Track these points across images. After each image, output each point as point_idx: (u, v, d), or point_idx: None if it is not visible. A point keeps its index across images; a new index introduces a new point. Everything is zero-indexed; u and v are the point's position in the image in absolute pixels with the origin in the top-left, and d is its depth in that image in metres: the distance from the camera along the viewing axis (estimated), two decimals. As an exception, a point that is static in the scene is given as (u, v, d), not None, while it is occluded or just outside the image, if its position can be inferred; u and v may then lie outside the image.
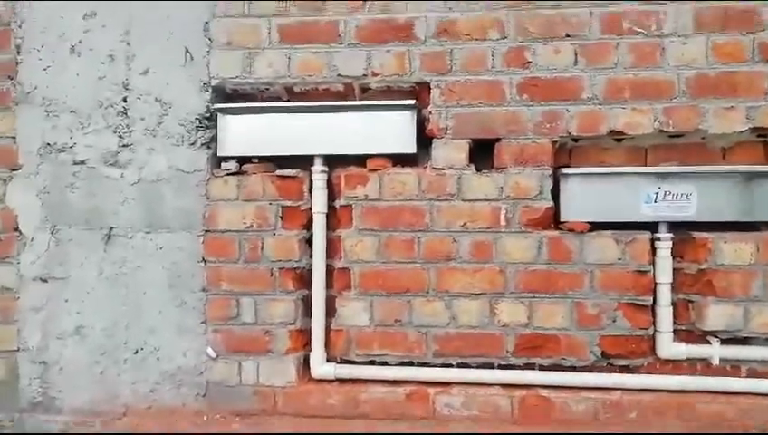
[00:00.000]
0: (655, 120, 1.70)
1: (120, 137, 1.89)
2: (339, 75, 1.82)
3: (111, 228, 1.90)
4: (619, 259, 1.72)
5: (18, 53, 1.91)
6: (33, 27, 1.91)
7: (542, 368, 1.78)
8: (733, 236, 1.68)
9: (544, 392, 1.74)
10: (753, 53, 1.68)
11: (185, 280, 1.87)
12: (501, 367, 1.79)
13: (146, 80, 1.89)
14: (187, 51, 1.87)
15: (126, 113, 1.89)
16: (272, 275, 1.84)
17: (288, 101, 1.91)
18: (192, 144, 1.87)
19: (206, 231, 1.86)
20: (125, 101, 1.89)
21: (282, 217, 1.84)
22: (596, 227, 1.75)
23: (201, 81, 1.87)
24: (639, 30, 1.71)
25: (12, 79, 1.91)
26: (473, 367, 1.79)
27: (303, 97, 1.89)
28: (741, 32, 1.68)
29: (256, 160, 1.87)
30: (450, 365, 1.81)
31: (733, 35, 1.68)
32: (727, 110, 1.68)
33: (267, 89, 1.88)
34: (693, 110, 1.69)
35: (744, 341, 1.74)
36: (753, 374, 1.75)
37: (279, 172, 1.84)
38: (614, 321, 1.72)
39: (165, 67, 1.88)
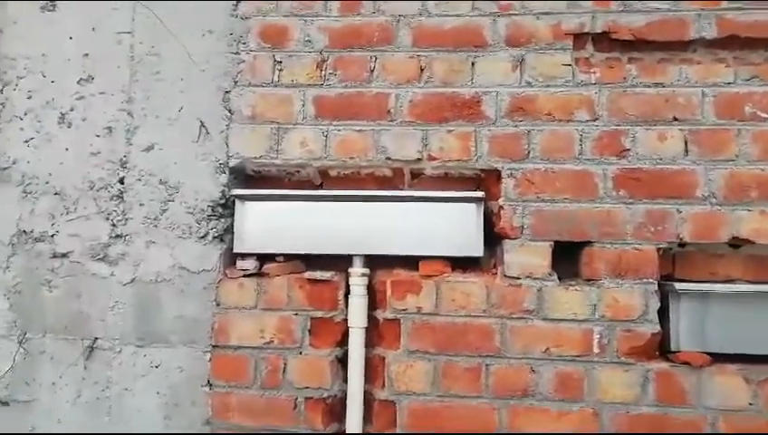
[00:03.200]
0: (789, 226, 1.35)
1: (114, 225, 1.56)
2: (387, 158, 1.51)
3: (95, 339, 1.55)
4: (751, 404, 1.33)
5: (-4, 121, 1.59)
6: (18, 91, 1.59)
7: None
8: None
9: None
10: None
11: (184, 410, 1.51)
12: None
13: (149, 158, 1.57)
14: (201, 124, 1.57)
15: (122, 197, 1.56)
16: (295, 406, 1.47)
17: (321, 187, 1.57)
18: (202, 237, 1.53)
19: (214, 347, 1.49)
20: (122, 182, 1.57)
21: (310, 332, 1.49)
22: (717, 359, 1.36)
23: (217, 160, 1.56)
24: (766, 115, 1.38)
25: (-14, 152, 1.59)
26: None
27: (341, 183, 1.57)
28: None
29: (281, 259, 1.53)
30: None
31: None
32: None
33: (298, 172, 1.55)
34: (834, 213, 1.35)
35: None
36: None
37: (309, 274, 1.50)
38: (746, 486, 1.31)
39: (173, 143, 1.57)
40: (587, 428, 1.41)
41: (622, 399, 1.41)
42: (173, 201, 1.59)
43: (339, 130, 1.57)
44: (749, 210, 1.42)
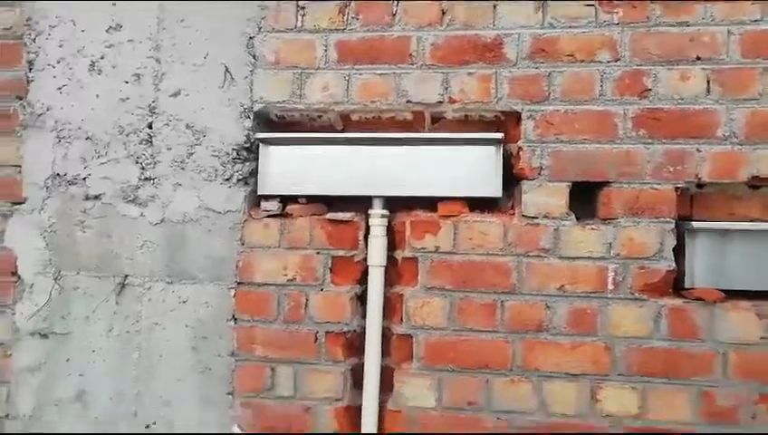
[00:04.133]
0: (810, 166, 1.36)
1: (143, 169, 1.62)
2: (408, 102, 1.54)
3: (126, 277, 1.62)
4: (763, 338, 1.36)
5: (30, 69, 1.66)
6: (50, 41, 1.66)
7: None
8: None
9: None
10: None
11: (211, 342, 1.57)
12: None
13: (176, 103, 1.62)
14: (226, 70, 1.61)
15: (151, 142, 1.62)
16: (316, 339, 1.54)
17: (343, 131, 1.61)
18: (227, 180, 1.59)
19: (239, 283, 1.56)
20: (150, 127, 1.63)
21: (331, 270, 1.55)
22: (731, 296, 1.39)
23: (242, 105, 1.60)
24: (789, 53, 1.39)
25: (21, 99, 1.66)
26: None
27: (362, 127, 1.62)
28: None
29: (303, 201, 1.59)
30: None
31: None
32: None
33: (320, 116, 1.60)
34: None
35: None
36: None
37: (330, 215, 1.55)
38: (754, 417, 1.36)
39: (199, 89, 1.62)
40: (599, 360, 1.45)
41: (635, 333, 1.45)
42: (199, 145, 1.65)
43: (360, 75, 1.60)
44: (770, 149, 1.43)
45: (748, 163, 1.44)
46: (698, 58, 1.47)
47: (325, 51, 1.62)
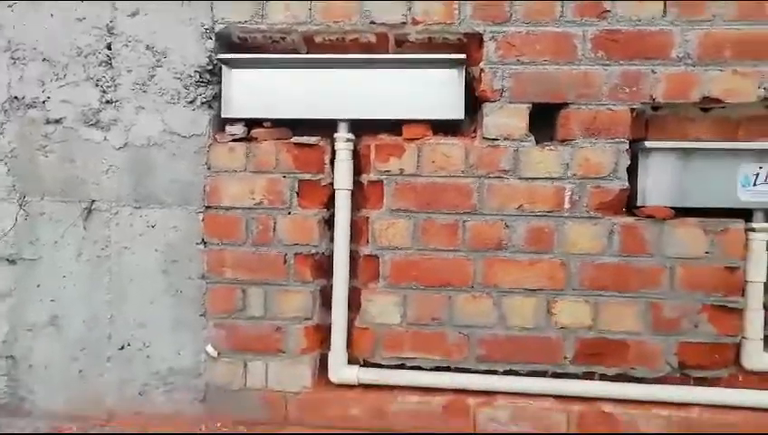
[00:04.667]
0: (760, 87, 1.41)
1: (104, 92, 1.60)
2: (372, 23, 1.53)
3: (93, 202, 1.63)
4: (707, 253, 1.46)
5: (-22, -17, 1.59)
6: (-2, -48, 1.58)
7: (604, 378, 1.51)
8: None
9: (608, 407, 1.51)
10: None
11: (181, 265, 1.61)
12: (556, 375, 1.53)
13: (135, 23, 1.60)
14: (185, -13, 1.56)
15: (110, 63, 1.60)
16: (285, 261, 1.57)
17: (308, 53, 1.60)
18: (190, 102, 1.58)
19: (207, 208, 1.59)
20: (109, 48, 1.60)
21: (298, 193, 1.57)
22: (680, 213, 1.46)
23: (203, 26, 1.59)
24: (744, -26, 1.41)
25: (-31, 16, 1.60)
26: (522, 375, 1.52)
27: (326, 49, 1.62)
28: None
29: (268, 124, 1.60)
30: (496, 372, 1.53)
31: None
32: None
33: (283, 38, 1.59)
34: (806, 74, 1.41)
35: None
36: None
37: (296, 139, 1.56)
38: (696, 326, 1.48)
39: (158, 8, 1.60)
40: (555, 276, 1.53)
41: (589, 250, 1.52)
42: (161, 67, 1.62)
43: (329, -5, 1.57)
44: (721, 70, 1.48)
45: (700, 84, 1.48)
46: (658, -21, 1.48)
47: (288, -31, 1.58)
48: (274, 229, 1.61)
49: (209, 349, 1.61)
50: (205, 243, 1.62)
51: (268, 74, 1.62)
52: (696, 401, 1.52)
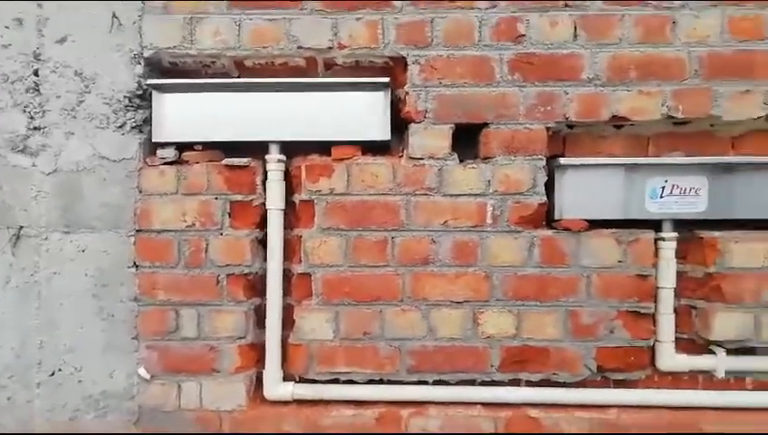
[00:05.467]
0: (663, 105, 1.51)
1: (31, 118, 1.60)
2: (299, 47, 1.58)
3: (21, 227, 1.62)
4: (620, 262, 1.55)
5: None
6: None
7: (530, 384, 1.58)
8: (745, 235, 1.54)
9: (533, 412, 1.58)
10: (772, 31, 1.52)
11: (112, 289, 1.61)
12: (484, 384, 1.59)
13: (63, 49, 1.61)
14: (114, 15, 1.58)
15: (38, 90, 1.60)
16: (218, 282, 1.59)
17: (240, 77, 1.64)
18: (120, 127, 1.60)
19: (138, 231, 1.59)
20: (36, 74, 1.60)
21: (230, 215, 1.60)
22: (594, 225, 1.55)
23: (132, 51, 1.60)
24: (647, 1, 1.52)
25: None
26: (452, 384, 1.57)
27: (257, 73, 1.65)
28: (760, 6, 1.50)
29: (200, 148, 1.61)
30: (426, 383, 1.58)
31: (751, 10, 1.51)
32: (743, 94, 1.53)
33: (213, 62, 1.62)
34: (705, 93, 1.54)
35: (749, 351, 1.58)
36: (759, 387, 1.60)
37: (227, 161, 1.59)
38: (612, 331, 1.56)
39: (87, 34, 1.61)
40: (480, 288, 1.59)
41: (511, 262, 1.59)
42: (89, 92, 1.63)
43: (251, 20, 1.62)
44: (628, 90, 1.57)
45: (609, 103, 1.58)
46: (566, 5, 1.57)
47: (216, -4, 1.62)
48: (207, 250, 1.62)
49: (141, 371, 1.61)
50: (136, 266, 1.63)
51: (199, 98, 1.64)
52: (614, 402, 1.61)
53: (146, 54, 1.63)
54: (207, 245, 1.63)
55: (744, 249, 1.57)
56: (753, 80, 1.56)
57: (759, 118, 1.57)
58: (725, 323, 1.59)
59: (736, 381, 1.67)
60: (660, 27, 1.57)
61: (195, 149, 1.65)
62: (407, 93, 1.61)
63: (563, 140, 1.69)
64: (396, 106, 1.66)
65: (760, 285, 1.57)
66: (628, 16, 1.57)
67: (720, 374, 1.62)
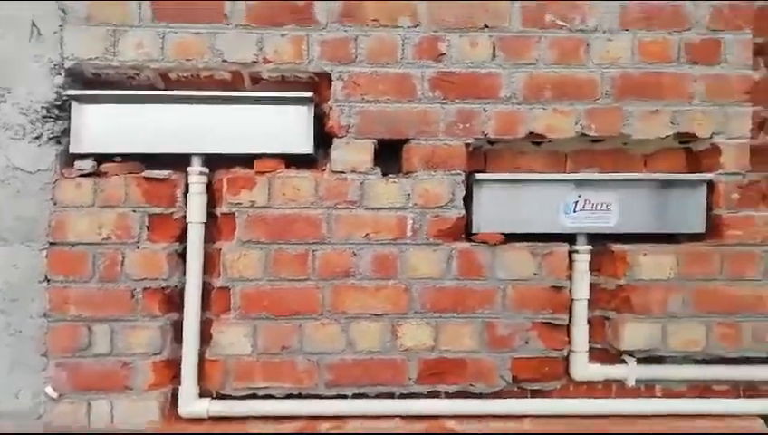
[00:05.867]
0: (576, 123, 1.58)
1: (-58, 126, 1.54)
2: (224, 61, 1.59)
3: (-74, 240, 1.53)
4: (535, 274, 1.59)
5: None
6: None
7: (448, 396, 1.59)
8: (653, 248, 1.61)
9: (450, 423, 1.60)
10: (680, 54, 1.61)
11: (21, 304, 1.57)
12: (403, 396, 1.59)
13: (-23, 57, 1.55)
14: (33, 24, 1.56)
15: (-51, 97, 1.54)
16: (133, 296, 1.56)
17: (166, 89, 1.64)
18: (36, 138, 1.57)
19: (52, 244, 1.55)
20: (-52, 82, 1.54)
21: (148, 227, 1.57)
22: (511, 238, 1.58)
23: (51, 62, 1.59)
24: (563, 24, 1.59)
25: None
26: (371, 397, 1.57)
27: (183, 85, 1.65)
28: (668, 31, 1.59)
29: (119, 160, 1.58)
30: (345, 397, 1.57)
31: (660, 33, 1.59)
32: (652, 113, 1.61)
33: (137, 74, 1.61)
34: (616, 112, 1.61)
35: (659, 360, 1.64)
36: (668, 395, 1.66)
37: (146, 173, 1.58)
38: (527, 342, 1.59)
39: (4, 44, 1.58)
40: (399, 301, 1.60)
41: (429, 275, 1.62)
42: (5, 102, 1.60)
43: (175, 33, 1.62)
44: (544, 108, 1.63)
45: (525, 121, 1.64)
46: (486, 26, 1.63)
47: (139, 8, 1.62)
48: (122, 264, 1.59)
49: (48, 390, 1.55)
50: (48, 280, 1.57)
51: (120, 110, 1.63)
52: (529, 412, 1.63)
53: (67, 65, 1.61)
54: (123, 258, 1.59)
55: (652, 262, 1.63)
56: (661, 100, 1.64)
57: (667, 136, 1.65)
58: (634, 333, 1.64)
59: (647, 389, 1.72)
60: (574, 49, 1.64)
61: (114, 161, 1.62)
62: (330, 108, 1.63)
63: (485, 156, 1.74)
64: (321, 121, 1.67)
65: (667, 295, 1.64)
66: (545, 39, 1.64)
67: (630, 383, 1.67)
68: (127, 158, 1.63)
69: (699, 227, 1.66)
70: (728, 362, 1.68)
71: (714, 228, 1.67)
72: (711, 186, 1.67)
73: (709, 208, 1.67)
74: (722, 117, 1.64)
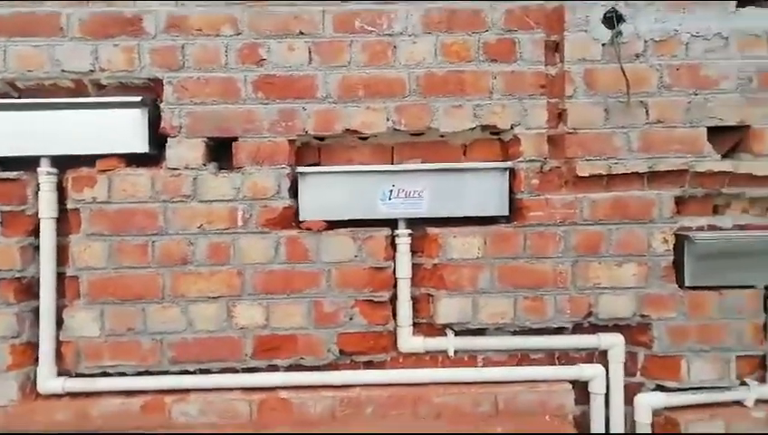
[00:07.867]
0: (388, 119, 1.75)
1: None
2: (63, 71, 1.74)
3: None
4: (356, 256, 1.77)
5: None
6: None
7: (285, 369, 1.78)
8: (462, 230, 1.79)
9: (284, 394, 1.77)
10: (479, 53, 1.77)
11: None
12: (245, 371, 1.78)
13: None
14: None
15: None
16: (-11, 287, 1.72)
17: (19, 97, 1.79)
18: None
19: None
20: None
21: (2, 224, 1.72)
22: (337, 225, 1.77)
23: None
24: (371, 29, 1.76)
25: None
26: (215, 373, 1.76)
27: (34, 93, 1.81)
28: (467, 32, 1.76)
29: (-30, 164, 1.74)
30: (192, 372, 1.76)
31: (460, 35, 1.76)
32: (456, 108, 1.78)
33: (-14, 85, 1.76)
34: (423, 108, 1.77)
35: (481, 332, 1.82)
36: (488, 364, 1.85)
37: (-3, 174, 1.72)
38: (351, 318, 1.78)
39: None
40: (233, 284, 1.79)
41: (260, 260, 1.80)
42: None
43: (16, 46, 1.76)
44: (357, 107, 1.80)
45: (341, 118, 1.81)
46: (301, 33, 1.79)
47: (-18, 23, 1.76)
48: (-22, 258, 1.76)
49: None
50: None
51: (-31, 117, 1.77)
52: (358, 382, 1.83)
53: None
54: (-21, 253, 1.76)
55: (461, 243, 1.83)
56: (464, 96, 1.82)
57: (474, 129, 1.82)
58: (448, 308, 1.84)
59: (470, 359, 1.92)
60: (383, 51, 1.81)
61: (-34, 165, 1.77)
62: (163, 111, 1.79)
63: (318, 151, 1.91)
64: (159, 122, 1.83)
65: (476, 273, 1.83)
66: (356, 42, 1.80)
67: (451, 353, 1.87)
68: (-21, 162, 1.78)
69: (503, 210, 1.84)
70: (540, 333, 1.87)
71: (516, 211, 1.86)
72: (513, 173, 1.84)
73: (512, 193, 1.85)
74: (520, 109, 1.82)
